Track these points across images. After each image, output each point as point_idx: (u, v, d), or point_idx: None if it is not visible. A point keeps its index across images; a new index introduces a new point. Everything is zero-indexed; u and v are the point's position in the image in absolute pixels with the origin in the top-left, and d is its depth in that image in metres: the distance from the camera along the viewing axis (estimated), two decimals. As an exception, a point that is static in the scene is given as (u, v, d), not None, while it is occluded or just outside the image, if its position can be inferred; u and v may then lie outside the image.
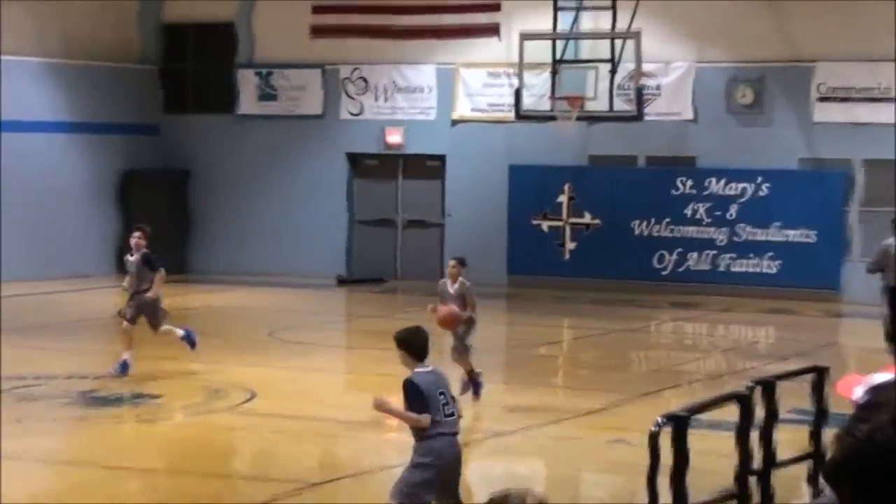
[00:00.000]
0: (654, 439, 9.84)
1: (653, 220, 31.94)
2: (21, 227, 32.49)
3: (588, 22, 31.10)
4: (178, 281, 33.45)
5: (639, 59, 29.95)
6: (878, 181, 30.32)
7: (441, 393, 10.72)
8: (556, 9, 30.40)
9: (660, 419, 10.07)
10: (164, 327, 20.59)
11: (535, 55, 30.56)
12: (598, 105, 30.16)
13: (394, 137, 34.46)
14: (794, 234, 30.85)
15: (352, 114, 34.92)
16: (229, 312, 29.46)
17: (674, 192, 31.79)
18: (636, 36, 29.71)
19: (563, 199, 32.58)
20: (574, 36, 31.07)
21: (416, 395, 10.52)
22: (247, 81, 35.80)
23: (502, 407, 19.16)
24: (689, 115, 31.98)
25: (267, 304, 30.05)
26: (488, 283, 32.05)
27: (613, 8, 29.78)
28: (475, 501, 11.55)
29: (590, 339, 26.17)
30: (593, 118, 30.84)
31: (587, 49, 31.17)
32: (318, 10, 34.78)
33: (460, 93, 33.84)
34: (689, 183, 31.71)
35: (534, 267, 32.74)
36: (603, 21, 30.39)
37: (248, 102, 35.81)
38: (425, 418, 10.48)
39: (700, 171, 31.77)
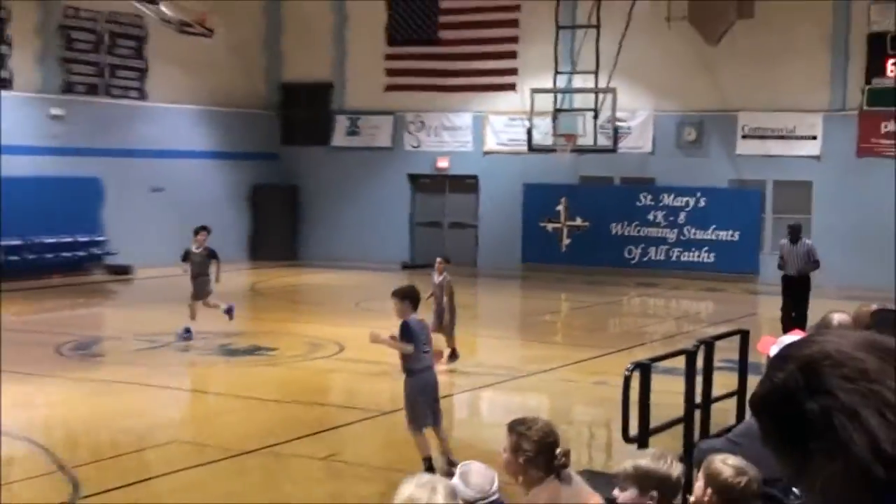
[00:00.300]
0: (626, 381, 9.80)
1: (625, 223, 31.74)
2: (179, 227, 32.57)
3: (579, 81, 31.00)
4: (291, 265, 33.66)
5: (614, 108, 29.93)
6: (783, 196, 30.16)
7: (424, 335, 11.13)
8: (556, 72, 30.52)
9: (630, 366, 10.01)
10: (212, 301, 19.98)
11: (541, 105, 30.56)
12: (586, 140, 30.10)
13: (442, 163, 34.44)
14: (724, 234, 30.61)
15: (413, 146, 34.90)
16: (326, 288, 29.49)
17: (638, 203, 31.60)
18: (612, 92, 29.70)
19: (560, 207, 32.47)
20: (569, 91, 31.04)
21: (409, 333, 10.80)
22: (339, 123, 35.82)
23: (519, 357, 19.15)
24: (649, 148, 31.78)
25: (353, 282, 30.07)
26: (507, 268, 32.16)
27: (596, 72, 29.80)
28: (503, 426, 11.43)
29: (580, 309, 26.07)
30: (582, 150, 30.71)
31: (578, 100, 31.08)
32: (390, 72, 34.80)
33: (489, 132, 33.77)
34: (650, 197, 31.52)
35: (540, 257, 32.61)
36: (589, 81, 30.34)
37: (339, 138, 35.82)
38: (410, 347, 10.84)
39: (657, 188, 31.56)
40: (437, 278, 17.42)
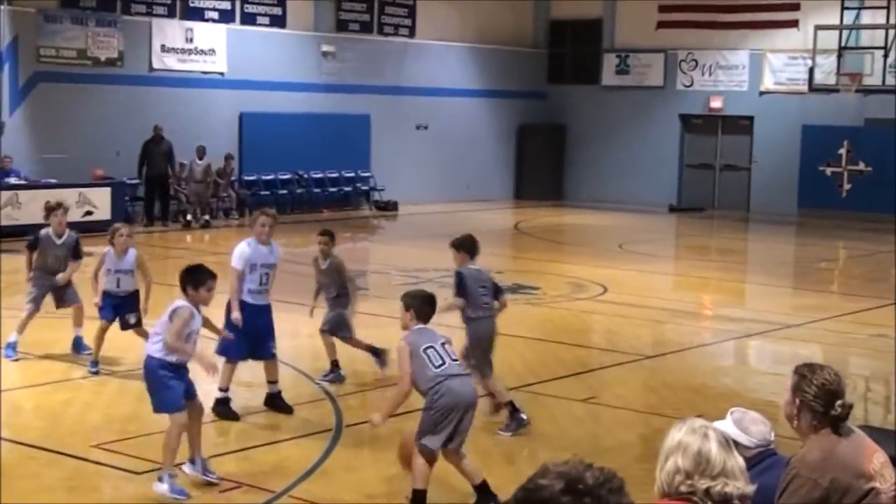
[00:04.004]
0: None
1: (912, 169, 30.49)
2: (446, 165, 33.16)
3: (867, 17, 29.81)
4: (555, 205, 33.78)
5: (908, 45, 28.82)
6: None
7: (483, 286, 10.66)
8: (842, 7, 29.63)
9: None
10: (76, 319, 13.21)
11: (825, 43, 29.70)
12: (873, 80, 29.28)
13: (715, 103, 33.75)
14: None
15: (684, 85, 34.31)
16: (591, 229, 29.42)
17: (931, 146, 30.27)
18: (906, 28, 28.54)
19: (842, 151, 31.39)
20: (856, 27, 29.96)
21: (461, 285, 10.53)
22: (609, 62, 35.53)
23: (791, 306, 18.62)
24: (945, 88, 30.30)
25: (618, 224, 29.90)
26: (782, 213, 31.32)
27: (888, 6, 28.74)
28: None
29: (859, 258, 25.08)
30: (869, 90, 29.67)
31: (866, 38, 30.03)
32: (662, 9, 34.29)
33: (766, 70, 32.85)
34: (943, 141, 30.15)
35: (818, 202, 31.66)
36: (879, 17, 29.16)
37: (609, 77, 35.55)
38: (461, 301, 10.58)
39: (952, 131, 30.12)
40: (322, 263, 12.50)
